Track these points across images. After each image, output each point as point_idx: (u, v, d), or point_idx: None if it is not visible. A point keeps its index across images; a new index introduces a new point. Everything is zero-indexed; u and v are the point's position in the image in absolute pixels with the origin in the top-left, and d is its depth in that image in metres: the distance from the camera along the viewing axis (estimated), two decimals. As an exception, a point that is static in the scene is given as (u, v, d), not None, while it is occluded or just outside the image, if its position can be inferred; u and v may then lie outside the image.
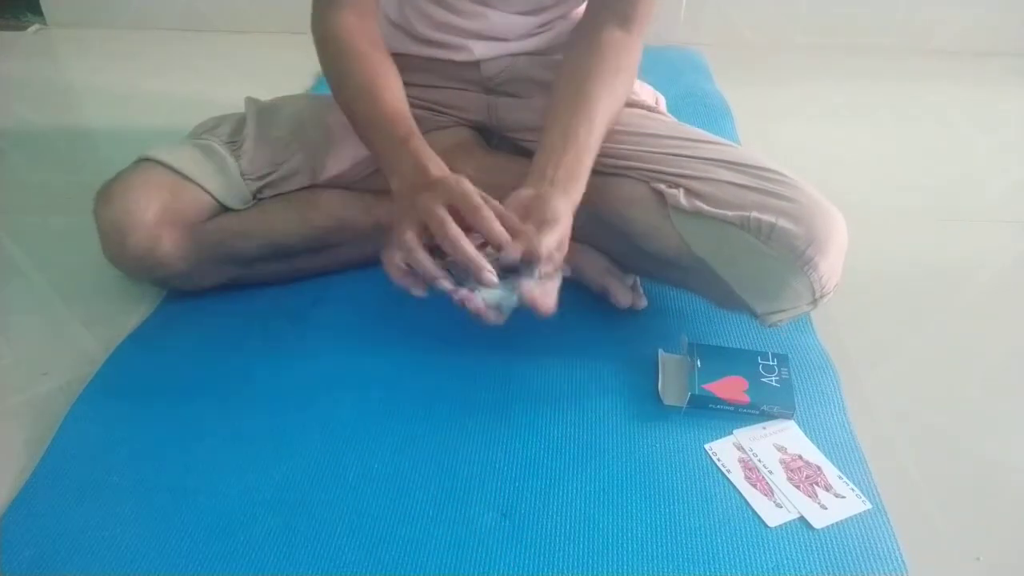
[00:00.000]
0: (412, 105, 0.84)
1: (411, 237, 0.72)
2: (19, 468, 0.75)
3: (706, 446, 0.77)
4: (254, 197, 0.94)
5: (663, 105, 1.03)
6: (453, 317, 0.93)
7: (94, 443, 0.77)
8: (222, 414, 0.80)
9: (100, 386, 0.84)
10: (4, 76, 1.72)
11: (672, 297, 0.97)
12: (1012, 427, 0.83)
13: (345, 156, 0.95)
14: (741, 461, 0.76)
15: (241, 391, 0.83)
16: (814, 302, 0.78)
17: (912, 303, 1.01)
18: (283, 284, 0.98)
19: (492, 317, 0.73)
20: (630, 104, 0.97)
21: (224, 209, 0.92)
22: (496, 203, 0.73)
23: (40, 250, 1.09)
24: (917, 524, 0.71)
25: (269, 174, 0.93)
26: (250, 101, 0.98)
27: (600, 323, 0.93)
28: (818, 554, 0.67)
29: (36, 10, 1.96)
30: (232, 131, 0.95)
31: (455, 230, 0.70)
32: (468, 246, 0.69)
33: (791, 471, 0.75)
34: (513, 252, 0.70)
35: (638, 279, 0.96)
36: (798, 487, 0.73)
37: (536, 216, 0.73)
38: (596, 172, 0.88)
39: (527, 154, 0.86)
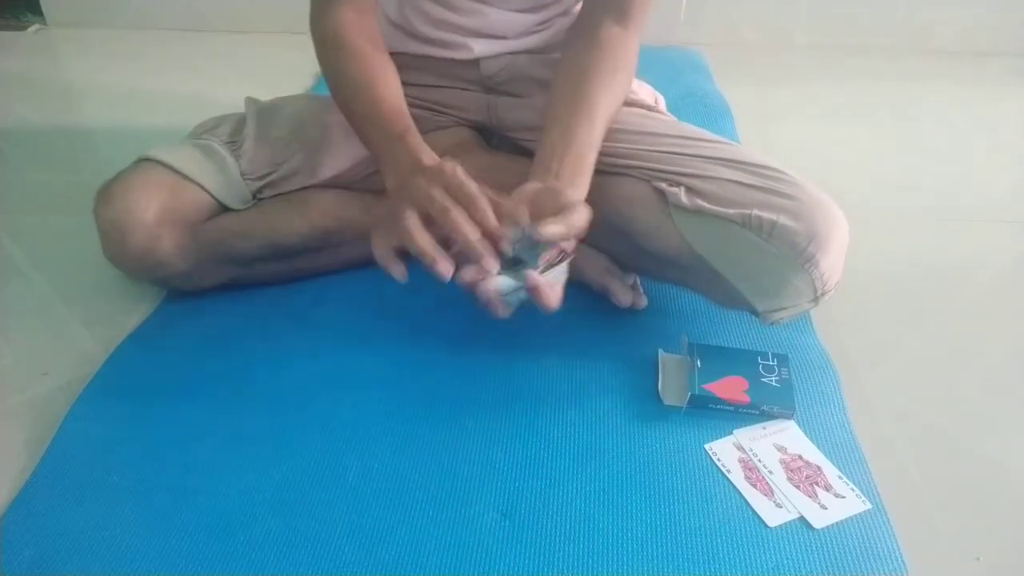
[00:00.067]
0: (412, 105, 0.84)
1: (412, 218, 0.70)
2: (19, 468, 0.75)
3: (706, 446, 0.77)
4: (254, 197, 0.94)
5: (662, 104, 1.03)
6: (453, 317, 0.93)
7: (94, 443, 0.77)
8: (222, 414, 0.80)
9: (100, 386, 0.84)
10: (4, 76, 1.72)
11: (672, 297, 0.97)
12: (1012, 427, 0.83)
13: (345, 156, 0.95)
14: (741, 461, 0.76)
15: (241, 391, 0.83)
16: (815, 300, 0.78)
17: (912, 303, 1.01)
18: (283, 284, 0.98)
19: (500, 310, 0.72)
20: (630, 103, 0.97)
21: (224, 209, 0.92)
22: (490, 192, 0.72)
23: (40, 250, 1.09)
24: (917, 524, 0.71)
25: (269, 174, 0.93)
26: (250, 101, 0.99)
27: (600, 323, 0.93)
28: (818, 554, 0.67)
29: (36, 10, 1.96)
30: (232, 131, 0.95)
31: (458, 214, 0.69)
32: (472, 230, 0.69)
33: (791, 471, 0.75)
34: (549, 227, 0.69)
35: (638, 278, 0.96)
36: (798, 487, 0.73)
37: (550, 207, 0.72)
38: (597, 171, 0.88)
39: (527, 154, 0.86)
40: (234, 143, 0.94)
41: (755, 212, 0.77)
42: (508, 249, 0.70)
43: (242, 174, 0.92)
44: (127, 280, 0.97)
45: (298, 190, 0.95)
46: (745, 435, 0.79)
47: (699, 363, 0.83)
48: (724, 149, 0.85)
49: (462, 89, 0.99)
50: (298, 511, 0.70)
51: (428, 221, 0.70)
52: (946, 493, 0.74)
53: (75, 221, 1.02)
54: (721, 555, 0.67)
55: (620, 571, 0.66)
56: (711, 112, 1.47)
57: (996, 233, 1.17)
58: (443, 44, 0.95)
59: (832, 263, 0.76)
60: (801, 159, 1.31)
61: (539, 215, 0.71)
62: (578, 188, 0.77)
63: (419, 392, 0.83)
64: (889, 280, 1.05)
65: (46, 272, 1.04)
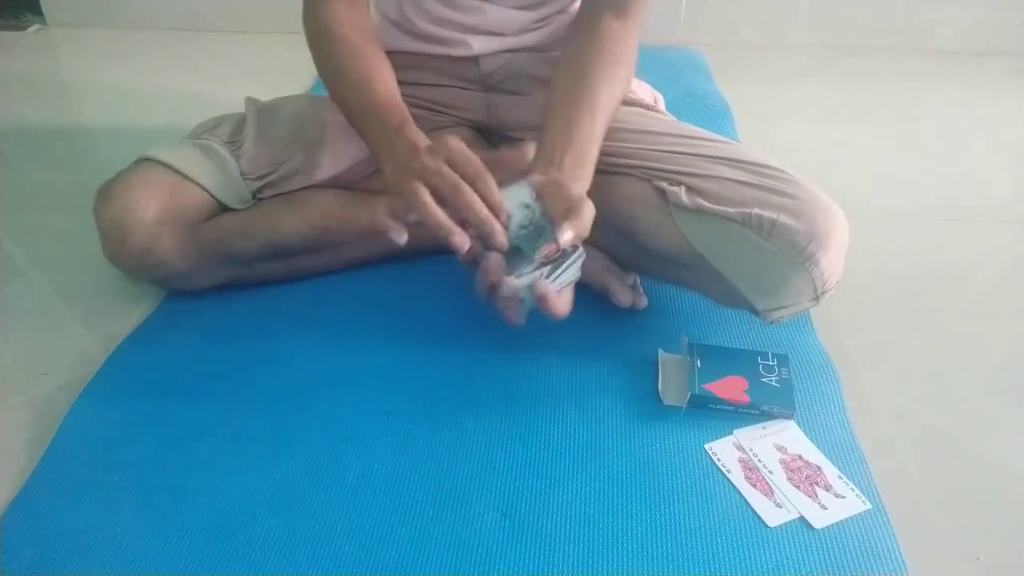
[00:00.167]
0: (411, 105, 0.84)
1: (424, 192, 0.69)
2: (19, 468, 0.75)
3: (706, 446, 0.77)
4: (254, 197, 0.94)
5: (661, 104, 1.03)
6: (453, 317, 0.93)
7: (94, 443, 0.77)
8: (222, 414, 0.80)
9: (100, 386, 0.84)
10: (4, 76, 1.72)
11: (672, 297, 0.97)
12: (1012, 427, 0.83)
13: (344, 156, 0.95)
14: (741, 461, 0.76)
15: (241, 391, 0.83)
16: (816, 298, 0.78)
17: (912, 303, 1.01)
18: (283, 284, 0.98)
19: (515, 315, 0.72)
20: (630, 103, 0.97)
21: (224, 209, 0.92)
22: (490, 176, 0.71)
23: (40, 250, 1.09)
24: (917, 524, 0.71)
25: (269, 174, 0.93)
26: (250, 101, 0.99)
27: (600, 323, 0.93)
28: (818, 554, 0.67)
29: (36, 10, 1.96)
30: (232, 131, 0.95)
31: (468, 189, 0.68)
32: (481, 203, 0.68)
33: (791, 471, 0.75)
34: (566, 232, 0.68)
35: (638, 278, 0.96)
36: (798, 487, 0.73)
37: (555, 200, 0.72)
38: (597, 171, 0.88)
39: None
40: (234, 143, 0.94)
41: (755, 211, 0.77)
42: (516, 231, 0.69)
43: (242, 174, 0.92)
44: (127, 280, 0.97)
45: (298, 190, 0.95)
46: (745, 435, 0.79)
47: (699, 363, 0.83)
48: (724, 148, 0.85)
49: (462, 88, 0.99)
50: (298, 511, 0.70)
51: (437, 199, 0.70)
52: (946, 493, 0.74)
53: (75, 221, 1.02)
54: (721, 555, 0.67)
55: (620, 571, 0.66)
56: (711, 112, 1.47)
57: (996, 233, 1.17)
58: (442, 41, 0.95)
59: (832, 262, 0.76)
60: (801, 159, 1.31)
61: (545, 206, 0.71)
62: (579, 181, 0.77)
63: (419, 392, 0.83)
64: (889, 280, 1.05)
65: (46, 272, 1.04)
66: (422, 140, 0.77)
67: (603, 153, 0.87)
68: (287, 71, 1.62)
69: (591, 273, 0.94)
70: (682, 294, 0.96)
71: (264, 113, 0.97)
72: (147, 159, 0.90)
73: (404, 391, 0.83)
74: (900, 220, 1.19)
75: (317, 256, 0.98)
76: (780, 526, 0.69)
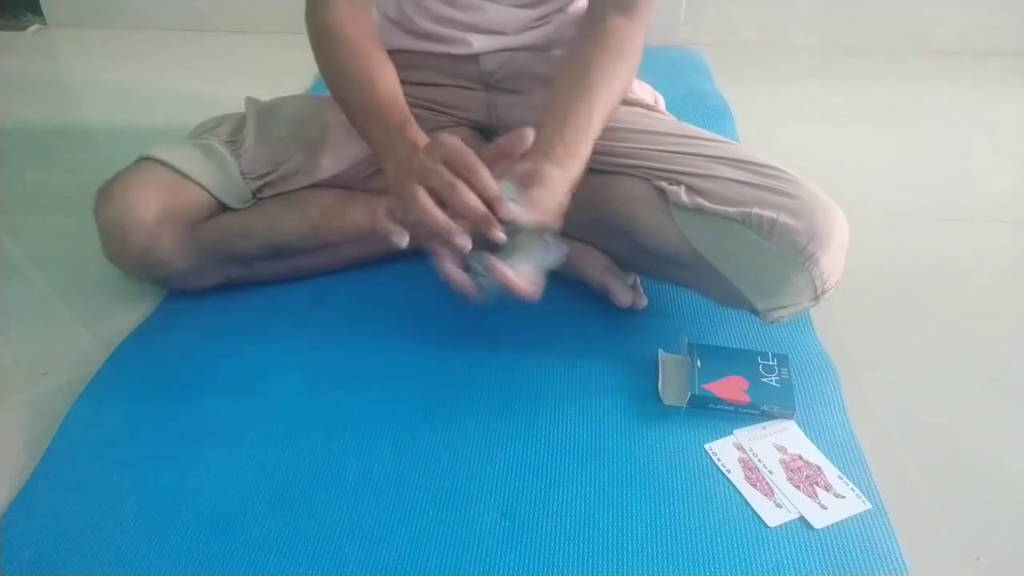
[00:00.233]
0: (412, 104, 0.84)
1: (423, 194, 0.69)
2: (19, 468, 0.75)
3: (706, 446, 0.77)
4: (254, 196, 0.94)
5: (662, 104, 1.03)
6: (453, 317, 0.93)
7: (94, 443, 0.77)
8: (222, 414, 0.80)
9: (100, 386, 0.84)
10: (4, 76, 1.72)
11: (672, 297, 0.97)
12: (1012, 427, 0.83)
13: (344, 156, 0.95)
14: (741, 461, 0.76)
15: (241, 391, 0.83)
16: (816, 298, 0.78)
17: (912, 303, 1.01)
18: (283, 283, 0.98)
19: (525, 287, 0.70)
20: (630, 103, 0.97)
21: (224, 208, 0.92)
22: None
23: (40, 250, 1.09)
24: (917, 524, 0.71)
25: (269, 173, 0.93)
26: (250, 101, 0.99)
27: (600, 323, 0.93)
28: (818, 554, 0.67)
29: (36, 10, 1.96)
30: (232, 131, 0.95)
31: (463, 186, 0.68)
32: (477, 201, 0.68)
33: (791, 471, 0.75)
34: (508, 206, 0.68)
35: (638, 278, 0.96)
36: (798, 487, 0.73)
37: (531, 190, 0.72)
38: (597, 171, 0.88)
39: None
40: (234, 143, 0.94)
41: (755, 210, 0.77)
42: (502, 237, 0.69)
43: (242, 173, 0.92)
44: (127, 280, 0.97)
45: (298, 190, 0.95)
46: (745, 435, 0.79)
47: (699, 363, 0.83)
48: (724, 148, 0.85)
49: (462, 87, 0.99)
50: (298, 511, 0.70)
51: (437, 200, 0.70)
52: (946, 493, 0.74)
53: (75, 221, 1.02)
54: (721, 555, 0.67)
55: (620, 571, 0.66)
56: (711, 112, 1.47)
57: (996, 233, 1.17)
58: (442, 39, 0.95)
59: (832, 261, 0.76)
60: (801, 159, 1.30)
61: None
62: (567, 168, 0.76)
63: (419, 392, 0.83)
64: (889, 280, 1.05)
65: (46, 272, 1.04)
66: (423, 140, 0.77)
67: (603, 153, 0.87)
68: (287, 71, 1.62)
69: (591, 273, 0.94)
70: (682, 294, 0.96)
71: (264, 113, 0.97)
72: (147, 158, 0.90)
73: (404, 391, 0.83)
74: (900, 220, 1.19)
75: (317, 256, 0.98)
76: (780, 526, 0.69)
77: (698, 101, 1.51)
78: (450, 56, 0.96)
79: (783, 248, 0.76)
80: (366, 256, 1.00)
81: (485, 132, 1.02)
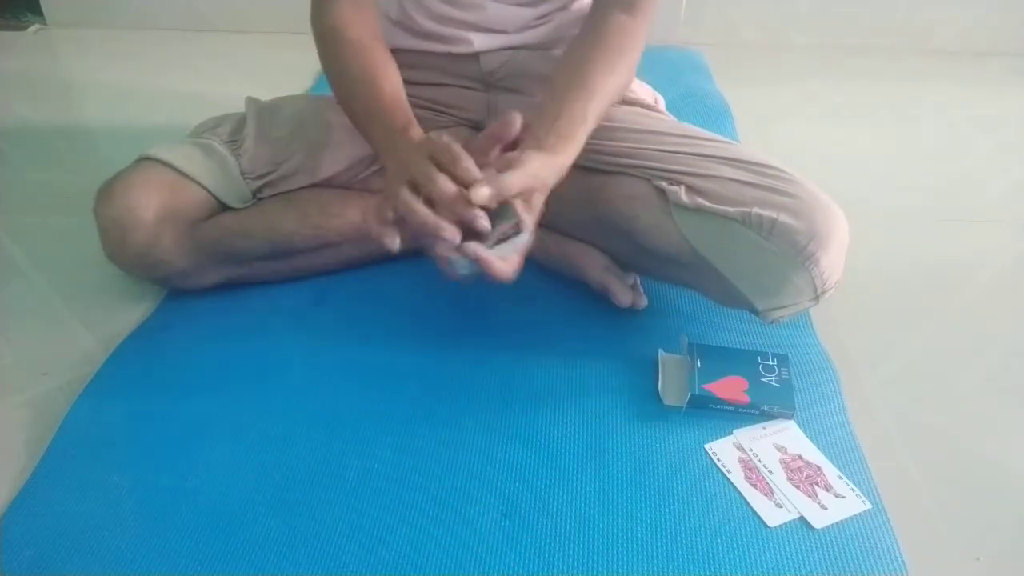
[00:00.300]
0: (412, 105, 0.84)
1: (405, 192, 0.70)
2: (19, 468, 0.75)
3: (706, 446, 0.77)
4: (254, 196, 0.94)
5: (662, 105, 1.03)
6: (453, 317, 0.93)
7: (94, 443, 0.77)
8: (222, 414, 0.80)
9: (100, 386, 0.84)
10: (4, 76, 1.72)
11: (672, 297, 0.97)
12: (1012, 427, 0.83)
13: (344, 156, 0.95)
14: (741, 461, 0.76)
15: (241, 391, 0.83)
16: (816, 298, 0.78)
17: (912, 303, 1.01)
18: (283, 283, 0.98)
19: (501, 268, 0.70)
20: (630, 103, 0.97)
21: (224, 208, 0.92)
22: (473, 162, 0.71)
23: (40, 250, 1.09)
24: (917, 524, 0.71)
25: (269, 173, 0.93)
26: (250, 101, 0.99)
27: (600, 323, 0.93)
28: (818, 554, 0.67)
29: (36, 10, 1.96)
30: (232, 131, 0.95)
31: (444, 180, 0.68)
32: (453, 189, 0.68)
33: (791, 471, 0.75)
34: (481, 189, 0.67)
35: (638, 278, 0.96)
36: (798, 487, 0.73)
37: (517, 173, 0.71)
38: (597, 171, 0.88)
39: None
40: (234, 142, 0.94)
41: (755, 210, 0.77)
42: (485, 225, 0.68)
43: (242, 173, 0.92)
44: (127, 280, 0.97)
45: (298, 189, 0.95)
46: (745, 435, 0.79)
47: (699, 363, 0.83)
48: (724, 148, 0.85)
49: (462, 87, 0.99)
50: (298, 511, 0.70)
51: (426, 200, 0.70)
52: (946, 493, 0.74)
53: (75, 221, 1.02)
54: (721, 555, 0.67)
55: (620, 571, 0.66)
56: (711, 112, 1.47)
57: (996, 233, 1.17)
58: (443, 39, 0.95)
59: (832, 261, 0.76)
60: (801, 159, 1.30)
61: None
62: (559, 156, 0.75)
63: (419, 392, 0.83)
64: (889, 280, 1.05)
65: (46, 272, 1.04)
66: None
67: (603, 153, 0.87)
68: (287, 71, 1.62)
69: (591, 273, 0.94)
70: (682, 294, 0.96)
71: (264, 113, 0.97)
72: (147, 158, 0.90)
73: (404, 391, 0.83)
74: (900, 220, 1.19)
75: (317, 256, 0.98)
76: (780, 526, 0.69)
77: (698, 101, 1.51)
78: (451, 55, 0.96)
79: (783, 248, 0.76)
80: (366, 256, 1.00)
81: (485, 132, 1.02)
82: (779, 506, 0.71)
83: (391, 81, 0.83)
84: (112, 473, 0.74)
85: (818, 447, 0.77)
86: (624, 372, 0.86)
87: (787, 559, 0.67)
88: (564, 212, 0.85)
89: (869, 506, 0.71)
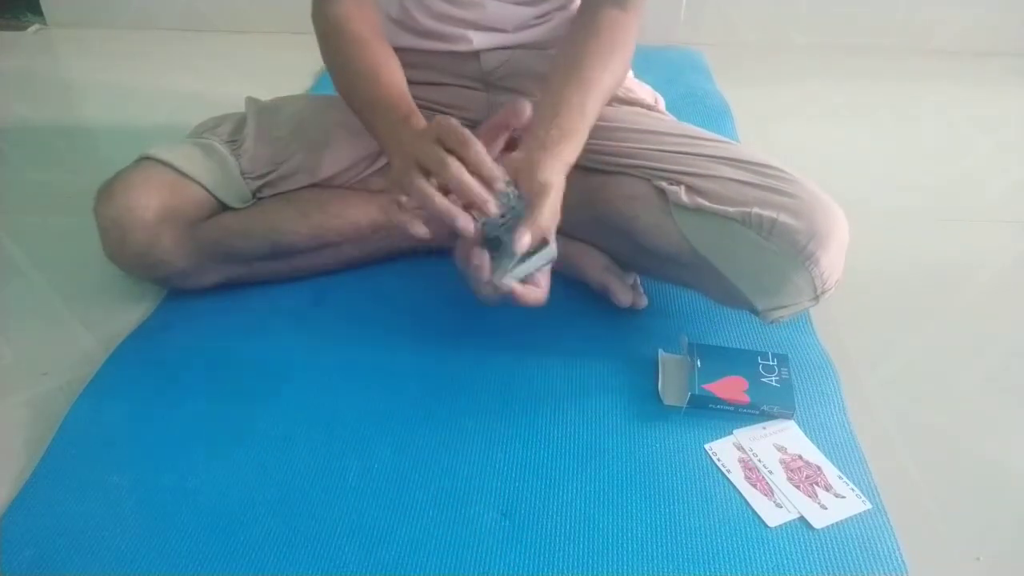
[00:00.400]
0: (412, 104, 0.84)
1: (420, 180, 0.69)
2: (19, 468, 0.75)
3: (706, 446, 0.77)
4: (254, 196, 0.94)
5: (662, 105, 1.03)
6: (454, 317, 0.93)
7: (94, 443, 0.77)
8: (222, 414, 0.80)
9: (100, 386, 0.84)
10: (4, 76, 1.71)
11: (672, 297, 0.97)
12: (1012, 427, 0.83)
13: (344, 156, 0.95)
14: (741, 461, 0.76)
15: (241, 391, 0.83)
16: (816, 298, 0.78)
17: (912, 303, 1.01)
18: (283, 283, 0.98)
19: (534, 297, 0.71)
20: (630, 103, 0.97)
21: (224, 208, 0.92)
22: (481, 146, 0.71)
23: (40, 250, 1.09)
24: (917, 524, 0.71)
25: (269, 173, 0.93)
26: (250, 101, 0.99)
27: (600, 323, 0.93)
28: (818, 554, 0.67)
29: (36, 10, 1.96)
30: (232, 130, 0.95)
31: (456, 164, 0.68)
32: (471, 179, 0.68)
33: (791, 471, 0.75)
34: (524, 237, 0.68)
35: (638, 278, 0.96)
36: (798, 487, 0.73)
37: (524, 184, 0.71)
38: (597, 171, 0.88)
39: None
40: (234, 142, 0.94)
41: (755, 210, 0.77)
42: (493, 221, 0.69)
43: (242, 173, 0.92)
44: (127, 280, 0.97)
45: (298, 189, 0.95)
46: (745, 435, 0.79)
47: (699, 363, 0.83)
48: (724, 148, 0.85)
49: (462, 87, 0.99)
50: (298, 511, 0.70)
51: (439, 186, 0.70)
52: (946, 493, 0.74)
53: (75, 221, 1.02)
54: (721, 555, 0.67)
55: (620, 571, 0.66)
56: (711, 112, 1.47)
57: (996, 233, 1.17)
58: (443, 37, 0.95)
59: (832, 261, 0.76)
60: (801, 159, 1.31)
61: (519, 189, 0.71)
62: (561, 156, 0.75)
63: (419, 392, 0.83)
64: (889, 280, 1.05)
65: (46, 272, 1.04)
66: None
67: (603, 153, 0.87)
68: (287, 71, 1.62)
69: (591, 273, 0.94)
70: (682, 294, 0.96)
71: (264, 113, 0.97)
72: (148, 158, 0.90)
73: (404, 391, 0.83)
74: (900, 220, 1.19)
75: (317, 256, 0.98)
76: (780, 526, 0.69)
77: (698, 101, 1.51)
78: (451, 54, 0.96)
79: (783, 248, 0.76)
80: (366, 256, 1.00)
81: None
82: (779, 506, 0.71)
83: (393, 74, 0.84)
84: (112, 473, 0.74)
85: (818, 447, 0.77)
86: (624, 372, 0.86)
87: (787, 559, 0.67)
88: (564, 212, 0.85)
89: (869, 506, 0.71)
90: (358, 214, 0.96)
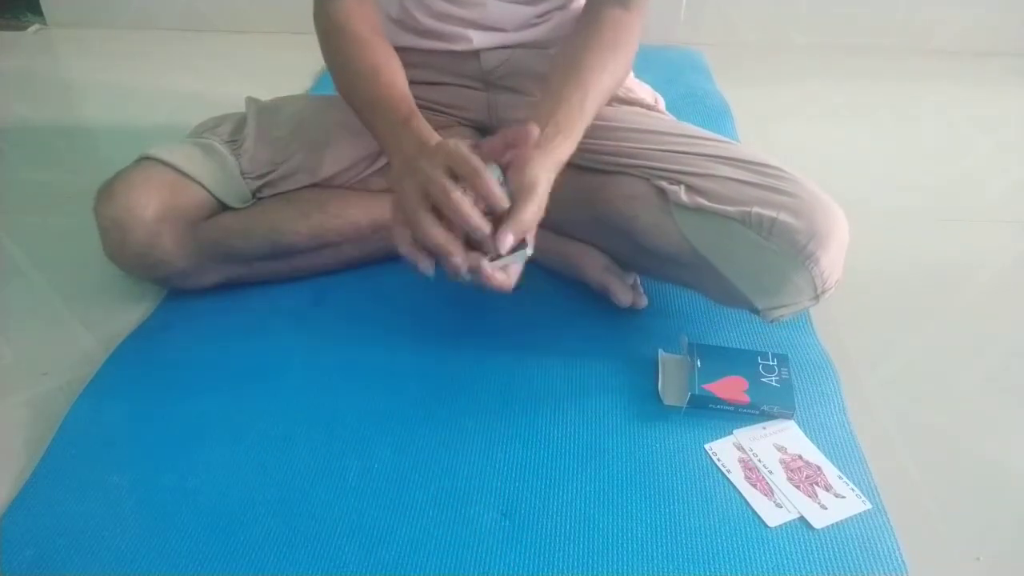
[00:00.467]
0: (412, 104, 0.84)
1: (426, 218, 0.69)
2: (19, 468, 0.75)
3: (706, 446, 0.77)
4: (254, 196, 0.94)
5: (662, 105, 1.03)
6: (454, 317, 0.93)
7: (94, 443, 0.77)
8: (222, 414, 0.80)
9: (100, 386, 0.84)
10: (4, 76, 1.71)
11: (672, 297, 0.97)
12: (1012, 427, 0.83)
13: (344, 156, 0.95)
14: (741, 461, 0.76)
15: (241, 391, 0.83)
16: (816, 297, 0.78)
17: (912, 303, 1.01)
18: (283, 283, 0.98)
19: (501, 281, 0.70)
20: (630, 103, 0.97)
21: (224, 208, 0.92)
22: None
23: (40, 250, 1.09)
24: (917, 524, 0.71)
25: (269, 173, 0.93)
26: (251, 101, 0.99)
27: (600, 323, 0.93)
28: (818, 554, 0.67)
29: (36, 10, 1.96)
30: (233, 130, 0.95)
31: (458, 196, 0.68)
32: (474, 212, 0.67)
33: (791, 471, 0.75)
34: (506, 237, 0.68)
35: (638, 278, 0.96)
36: (798, 487, 0.73)
37: (512, 179, 0.71)
38: (597, 170, 0.88)
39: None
40: (235, 142, 0.94)
41: (755, 209, 0.77)
42: (494, 252, 0.69)
43: (242, 173, 0.92)
44: (127, 280, 0.97)
45: (298, 189, 0.95)
46: (745, 435, 0.79)
47: (699, 363, 0.83)
48: (724, 147, 0.85)
49: (462, 87, 0.99)
50: (298, 511, 0.70)
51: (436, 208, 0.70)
52: (946, 493, 0.74)
53: (75, 221, 1.02)
54: (721, 555, 0.67)
55: (620, 571, 0.66)
56: (711, 112, 1.47)
57: (996, 233, 1.17)
58: (443, 36, 0.95)
59: (832, 260, 0.76)
60: (801, 159, 1.30)
61: (511, 189, 0.71)
62: (555, 153, 0.75)
63: (419, 392, 0.83)
64: (889, 280, 1.05)
65: (46, 272, 1.04)
66: (429, 133, 0.77)
67: (603, 152, 0.87)
68: (287, 71, 1.62)
69: (591, 273, 0.94)
70: (682, 294, 0.96)
71: (265, 113, 0.97)
72: (148, 158, 0.90)
73: (404, 391, 0.83)
74: (900, 220, 1.19)
75: (317, 256, 0.98)
76: (780, 526, 0.69)
77: (698, 101, 1.51)
78: (451, 53, 0.96)
79: (783, 247, 0.76)
80: (366, 256, 1.00)
81: (485, 132, 1.02)
82: (779, 506, 0.71)
83: (394, 73, 0.83)
84: (112, 473, 0.74)
85: (818, 447, 0.77)
86: (624, 372, 0.86)
87: (787, 559, 0.67)
88: (564, 212, 0.85)
89: (869, 506, 0.71)
90: (358, 214, 0.96)
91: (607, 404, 0.82)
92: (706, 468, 0.75)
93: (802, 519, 0.70)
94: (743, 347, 0.88)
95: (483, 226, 0.67)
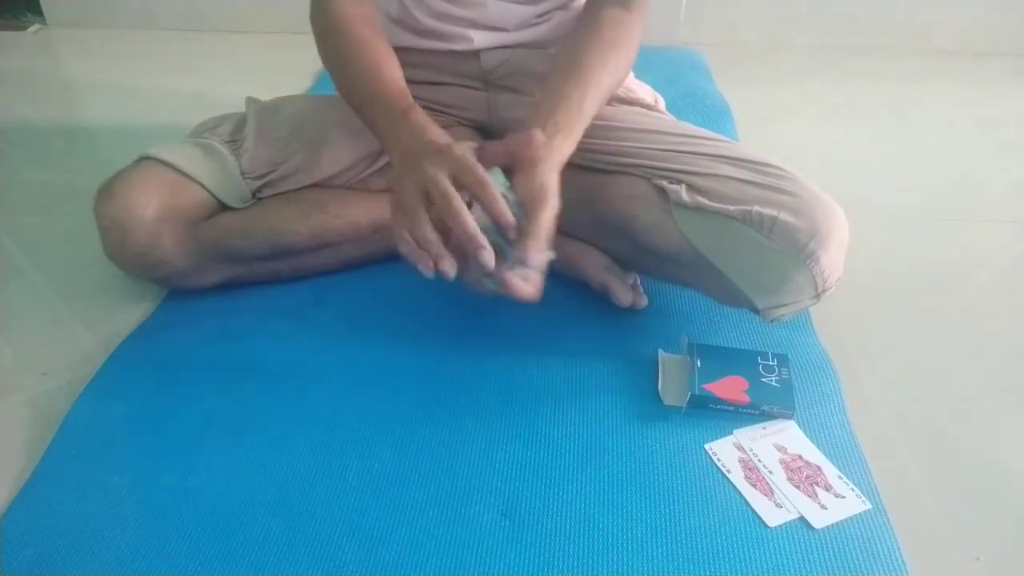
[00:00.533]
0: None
1: (419, 211, 0.69)
2: (19, 468, 0.75)
3: (706, 446, 0.77)
4: (254, 196, 0.94)
5: (662, 105, 1.03)
6: (454, 317, 0.93)
7: (94, 443, 0.77)
8: (222, 414, 0.80)
9: (100, 386, 0.84)
10: (4, 76, 1.71)
11: (672, 297, 0.97)
12: (1012, 427, 0.83)
13: (344, 156, 0.95)
14: (741, 461, 0.76)
15: (241, 391, 0.83)
16: (816, 296, 0.78)
17: (912, 303, 1.01)
18: (283, 283, 0.98)
19: (525, 291, 0.71)
20: (630, 102, 0.97)
21: (224, 208, 0.92)
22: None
23: (40, 250, 1.09)
24: (917, 524, 0.71)
25: (269, 173, 0.93)
26: (251, 101, 0.99)
27: (600, 323, 0.93)
28: (818, 554, 0.67)
29: (36, 10, 1.96)
30: (233, 130, 0.95)
31: (459, 203, 0.68)
32: (471, 222, 0.67)
33: (791, 471, 0.75)
34: (531, 249, 0.68)
35: (638, 277, 0.96)
36: (798, 487, 0.73)
37: (523, 186, 0.71)
38: (597, 170, 0.88)
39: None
40: (235, 142, 0.94)
41: (756, 208, 0.77)
42: (491, 263, 0.69)
43: (242, 173, 0.92)
44: (127, 280, 0.97)
45: (298, 189, 0.95)
46: (745, 435, 0.79)
47: (699, 363, 0.83)
48: (724, 147, 0.85)
49: (462, 86, 0.99)
50: (298, 511, 0.70)
51: (430, 205, 0.70)
52: (946, 493, 0.74)
53: (75, 221, 1.02)
54: (721, 555, 0.67)
55: (620, 571, 0.66)
56: (711, 112, 1.47)
57: (996, 233, 1.17)
58: (443, 36, 0.95)
59: (833, 259, 0.76)
60: (801, 159, 1.30)
61: (518, 194, 0.71)
62: (558, 151, 0.75)
63: (419, 392, 0.83)
64: (889, 280, 1.05)
65: (46, 272, 1.04)
66: (429, 126, 0.76)
67: (603, 152, 0.87)
68: (287, 71, 1.62)
69: (591, 272, 0.94)
70: (682, 294, 0.96)
71: (265, 113, 0.97)
72: (148, 158, 0.90)
73: (404, 391, 0.83)
74: (900, 220, 1.19)
75: (317, 256, 0.98)
76: (780, 526, 0.69)
77: (698, 101, 1.51)
78: (451, 53, 0.96)
79: (784, 246, 0.76)
80: (366, 256, 1.00)
81: (485, 132, 1.02)
82: (779, 506, 0.71)
83: (392, 69, 0.84)
84: (112, 473, 0.74)
85: (818, 447, 0.77)
86: (624, 372, 0.86)
87: (787, 559, 0.67)
88: (564, 212, 0.85)
89: (869, 506, 0.71)
90: (358, 214, 0.96)
91: (607, 404, 0.82)
92: (706, 468, 0.75)
93: (802, 519, 0.70)
94: (743, 347, 0.88)
95: (479, 238, 0.67)
